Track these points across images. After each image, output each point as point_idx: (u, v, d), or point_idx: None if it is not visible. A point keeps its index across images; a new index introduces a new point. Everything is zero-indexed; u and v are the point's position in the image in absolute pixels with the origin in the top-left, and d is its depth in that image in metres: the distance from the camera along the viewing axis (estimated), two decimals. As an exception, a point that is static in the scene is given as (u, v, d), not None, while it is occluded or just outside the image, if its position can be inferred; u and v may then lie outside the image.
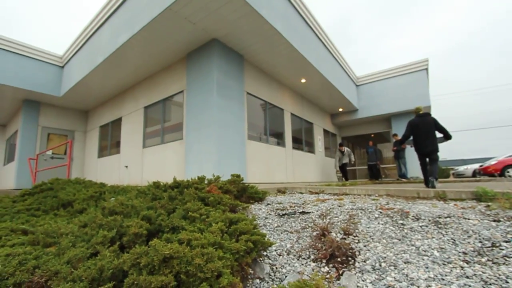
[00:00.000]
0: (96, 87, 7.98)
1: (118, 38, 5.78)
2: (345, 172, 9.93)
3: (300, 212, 3.16)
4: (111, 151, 8.62)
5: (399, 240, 2.21)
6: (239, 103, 6.05)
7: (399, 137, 7.32)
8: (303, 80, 8.00)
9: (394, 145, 9.24)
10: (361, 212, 2.88)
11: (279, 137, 7.87)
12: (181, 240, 1.65)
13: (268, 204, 3.55)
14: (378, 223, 2.56)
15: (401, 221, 2.53)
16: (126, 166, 7.78)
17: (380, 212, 2.81)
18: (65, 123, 9.27)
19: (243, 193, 3.49)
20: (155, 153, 6.75)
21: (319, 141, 10.36)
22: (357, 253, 2.10)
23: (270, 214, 3.15)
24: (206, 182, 3.18)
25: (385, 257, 1.99)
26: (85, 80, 7.32)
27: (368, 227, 2.50)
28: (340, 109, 11.40)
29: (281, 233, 2.71)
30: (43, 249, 1.73)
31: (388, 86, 10.60)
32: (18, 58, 7.45)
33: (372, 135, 12.66)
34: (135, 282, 1.30)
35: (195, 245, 1.62)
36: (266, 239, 2.16)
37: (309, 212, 3.12)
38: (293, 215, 3.11)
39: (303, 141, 9.23)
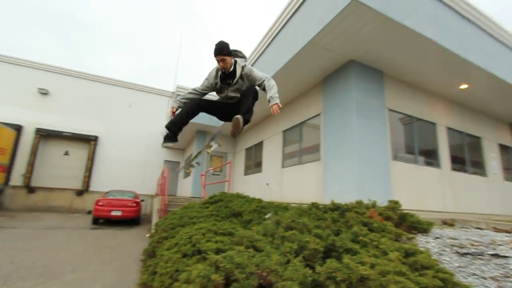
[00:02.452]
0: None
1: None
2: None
3: (491, 255, 2.50)
4: (254, 169, 10.04)
5: None
6: (380, 121, 5.67)
7: None
8: (463, 86, 6.53)
9: None
10: None
11: (431, 156, 6.65)
12: (364, 263, 1.71)
13: (437, 237, 3.04)
14: None
15: None
16: (267, 184, 8.81)
17: None
18: (222, 147, 11.73)
19: (402, 221, 3.17)
20: (293, 172, 7.31)
21: (492, 160, 7.92)
22: None
23: (444, 251, 2.68)
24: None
25: None
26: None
27: None
28: (525, 116, 8.37)
29: (468, 276, 2.24)
30: (245, 249, 2.25)
31: None
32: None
33: None
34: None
35: (379, 271, 1.64)
36: (455, 279, 1.86)
37: (507, 257, 2.42)
38: (479, 256, 2.51)
39: (466, 161, 7.35)
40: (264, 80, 2.63)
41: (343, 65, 5.81)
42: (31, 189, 12.87)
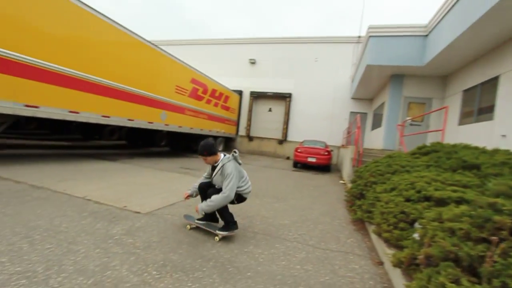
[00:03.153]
0: (461, 48, 7.10)
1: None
2: None
3: None
4: (478, 117, 7.42)
5: None
6: None
7: None
8: None
9: None
10: None
11: None
12: None
13: None
14: None
15: None
16: (504, 136, 6.26)
17: None
18: (423, 91, 9.57)
19: None
20: None
21: None
22: None
23: None
24: None
25: None
26: (451, 43, 6.79)
27: None
28: None
29: None
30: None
31: None
32: (386, 40, 8.76)
33: None
34: None
35: None
36: None
37: None
38: None
39: None
40: (225, 179, 2.82)
41: None
42: (250, 138, 17.38)
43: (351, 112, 15.04)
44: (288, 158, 16.15)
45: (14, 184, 4.10)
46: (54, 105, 5.79)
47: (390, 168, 4.10)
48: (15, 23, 4.97)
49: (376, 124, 12.46)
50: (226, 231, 2.84)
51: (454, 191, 2.49)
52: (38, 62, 5.35)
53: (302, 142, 12.27)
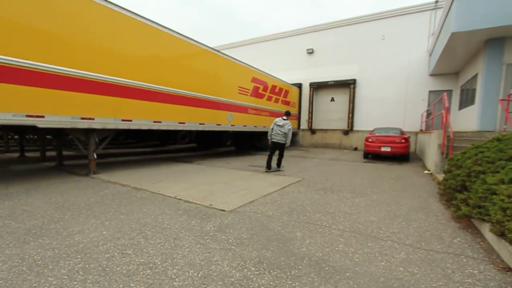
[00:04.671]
0: None
1: None
2: None
3: None
4: None
5: None
6: None
7: None
8: None
9: None
10: None
11: None
12: None
13: None
14: None
15: None
16: None
17: None
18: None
19: None
20: None
21: None
22: None
23: None
24: None
25: None
26: None
27: None
28: None
29: None
30: None
31: None
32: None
33: None
34: None
35: None
36: None
37: None
38: None
39: None
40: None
41: None
42: (313, 131, 16.86)
43: (430, 91, 13.06)
44: (356, 149, 15.10)
45: (121, 187, 4.91)
46: (143, 117, 6.70)
47: (503, 154, 3.37)
48: (109, 51, 5.91)
49: (466, 102, 10.50)
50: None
51: None
52: (129, 82, 6.26)
53: (372, 131, 11.26)
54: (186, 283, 1.89)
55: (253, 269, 2.10)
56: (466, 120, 10.11)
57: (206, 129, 8.98)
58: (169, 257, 2.27)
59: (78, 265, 2.10)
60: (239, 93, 10.47)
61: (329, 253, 2.42)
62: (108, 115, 5.93)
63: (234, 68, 10.08)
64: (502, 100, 6.91)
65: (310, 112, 16.62)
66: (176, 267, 2.10)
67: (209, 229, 2.93)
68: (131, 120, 6.42)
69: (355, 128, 15.32)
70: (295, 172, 7.01)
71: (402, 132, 10.51)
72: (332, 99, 16.18)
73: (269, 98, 12.86)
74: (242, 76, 10.68)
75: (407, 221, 3.35)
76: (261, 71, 11.96)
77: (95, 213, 3.39)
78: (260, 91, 11.96)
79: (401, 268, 2.18)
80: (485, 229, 2.80)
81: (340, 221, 3.31)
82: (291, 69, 17.20)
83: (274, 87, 13.23)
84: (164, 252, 2.36)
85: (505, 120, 6.78)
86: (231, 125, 10.15)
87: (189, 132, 14.05)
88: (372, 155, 10.63)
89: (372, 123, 13.86)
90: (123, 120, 6.26)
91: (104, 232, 2.77)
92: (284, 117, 7.12)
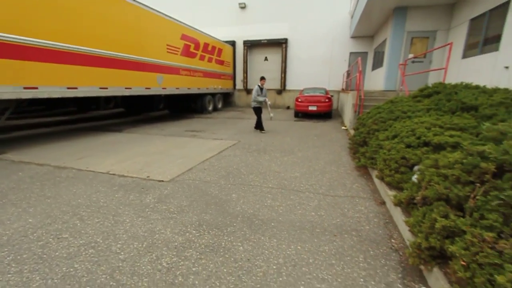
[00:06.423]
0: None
1: None
2: None
3: None
4: (484, 48, 7.23)
5: None
6: None
7: None
8: None
9: None
10: None
11: None
12: None
13: None
14: None
15: None
16: (507, 67, 6.22)
17: None
18: (427, 23, 9.06)
19: None
20: None
21: None
22: None
23: None
24: None
25: None
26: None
27: None
28: None
29: None
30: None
31: None
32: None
33: None
34: None
35: None
36: None
37: None
38: None
39: None
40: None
41: None
42: (248, 91, 17.10)
43: (351, 53, 14.46)
44: (288, 107, 16.16)
45: (39, 167, 4.39)
46: (52, 83, 5.73)
47: (392, 115, 4.28)
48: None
49: (377, 63, 12.12)
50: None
51: (451, 136, 2.71)
52: (27, 40, 5.12)
53: (302, 91, 12.17)
54: (132, 254, 2.08)
55: (194, 232, 2.40)
56: (377, 80, 11.81)
57: (134, 93, 8.26)
58: (110, 234, 2.37)
59: (8, 258, 2.03)
60: (168, 52, 9.66)
61: (259, 209, 2.89)
62: (4, 82, 4.89)
63: (160, 24, 9.08)
64: (400, 64, 8.29)
65: (245, 71, 16.60)
66: (120, 242, 2.24)
67: (149, 201, 3.05)
68: (36, 88, 5.44)
69: (288, 87, 16.17)
70: (231, 135, 7.33)
71: (326, 92, 11.70)
72: (266, 59, 16.38)
73: (202, 58, 12.24)
74: (171, 33, 9.75)
75: (322, 174, 4.10)
76: (191, 27, 11.07)
77: (12, 200, 3.07)
78: (191, 49, 11.23)
79: (313, 213, 2.81)
80: (374, 175, 3.69)
81: (270, 179, 3.83)
82: (224, 25, 16.32)
83: (206, 45, 12.55)
84: (105, 230, 2.43)
85: (401, 82, 8.24)
86: (162, 88, 9.53)
87: (114, 95, 12.46)
88: (302, 114, 11.67)
89: (303, 83, 14.82)
90: (25, 88, 5.27)
91: (31, 220, 2.61)
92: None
